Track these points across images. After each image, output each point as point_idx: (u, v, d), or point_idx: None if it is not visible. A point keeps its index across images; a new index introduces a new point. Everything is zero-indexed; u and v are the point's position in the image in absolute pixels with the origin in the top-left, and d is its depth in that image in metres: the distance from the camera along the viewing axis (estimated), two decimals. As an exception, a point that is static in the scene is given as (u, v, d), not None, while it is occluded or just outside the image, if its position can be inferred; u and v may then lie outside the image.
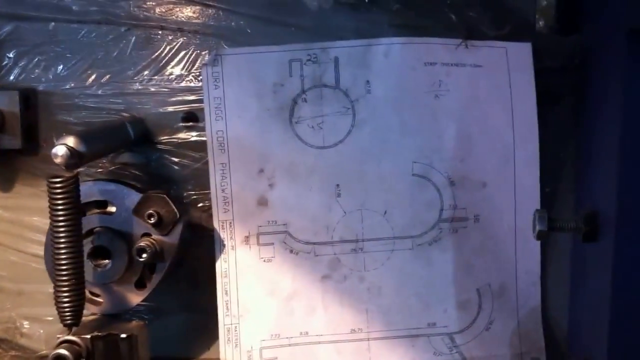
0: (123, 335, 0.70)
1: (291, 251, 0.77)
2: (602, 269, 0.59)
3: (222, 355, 0.76)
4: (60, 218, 0.67)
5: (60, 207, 0.67)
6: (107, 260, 0.75)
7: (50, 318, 0.87)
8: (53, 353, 0.68)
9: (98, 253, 0.76)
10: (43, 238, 0.82)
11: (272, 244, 0.76)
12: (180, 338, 0.84)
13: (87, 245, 0.74)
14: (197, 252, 0.82)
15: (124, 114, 0.83)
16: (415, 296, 0.77)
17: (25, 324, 0.89)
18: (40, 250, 0.84)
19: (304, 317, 0.77)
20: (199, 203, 0.82)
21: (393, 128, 0.74)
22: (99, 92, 0.82)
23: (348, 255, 0.76)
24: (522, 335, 0.77)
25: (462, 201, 0.75)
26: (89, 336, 0.70)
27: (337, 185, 0.76)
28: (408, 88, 0.73)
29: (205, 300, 0.81)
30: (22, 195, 0.86)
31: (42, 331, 0.88)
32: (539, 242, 0.75)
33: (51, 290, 0.81)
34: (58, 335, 0.71)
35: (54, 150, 0.67)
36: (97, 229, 0.75)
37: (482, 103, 0.72)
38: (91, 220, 0.75)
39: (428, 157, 0.74)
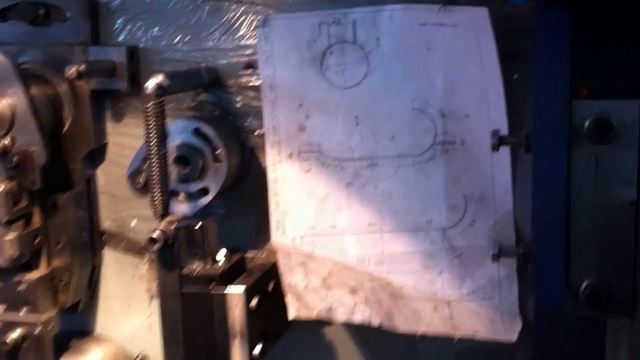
0: (197, 226, 0.98)
1: (323, 165, 1.05)
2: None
3: (272, 239, 1.07)
4: (152, 132, 0.94)
5: (151, 124, 0.94)
6: (187, 167, 1.05)
7: (151, 218, 1.13)
8: (148, 237, 0.97)
9: (180, 161, 1.05)
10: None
11: (309, 159, 1.05)
12: (242, 234, 1.12)
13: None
14: (255, 167, 1.12)
15: (201, 64, 1.10)
16: (417, 200, 1.02)
17: (133, 222, 1.18)
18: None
19: (333, 214, 1.05)
20: (256, 131, 1.11)
21: (397, 74, 0.99)
22: (183, 48, 1.09)
23: (365, 169, 1.04)
24: (498, 231, 0.99)
25: (451, 129, 0.99)
26: (173, 226, 0.99)
27: (356, 116, 1.01)
28: (407, 43, 0.98)
29: (260, 204, 1.12)
30: (127, 125, 1.14)
31: (144, 228, 1.16)
32: (509, 160, 1.00)
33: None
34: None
35: (146, 84, 0.95)
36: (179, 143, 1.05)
37: (460, 55, 0.95)
38: (175, 138, 1.05)
39: (424, 96, 0.99)
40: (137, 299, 1.21)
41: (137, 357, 1.22)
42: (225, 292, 0.96)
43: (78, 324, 1.22)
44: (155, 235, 0.94)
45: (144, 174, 1.05)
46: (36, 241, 1.09)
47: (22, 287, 1.09)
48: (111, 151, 1.16)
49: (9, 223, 1.05)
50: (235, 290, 0.96)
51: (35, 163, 1.04)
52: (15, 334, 1.09)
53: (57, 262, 1.12)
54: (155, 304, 1.19)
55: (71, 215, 1.13)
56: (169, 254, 0.96)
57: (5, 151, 1.03)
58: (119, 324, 1.23)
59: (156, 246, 0.94)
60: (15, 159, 1.03)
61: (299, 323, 1.10)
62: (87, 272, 1.18)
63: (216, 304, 0.96)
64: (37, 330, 1.09)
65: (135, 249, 1.19)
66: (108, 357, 1.21)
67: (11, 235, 1.04)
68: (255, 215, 1.11)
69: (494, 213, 1.00)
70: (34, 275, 1.10)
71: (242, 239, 1.10)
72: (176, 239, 0.96)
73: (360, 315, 1.03)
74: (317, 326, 1.14)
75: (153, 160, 0.95)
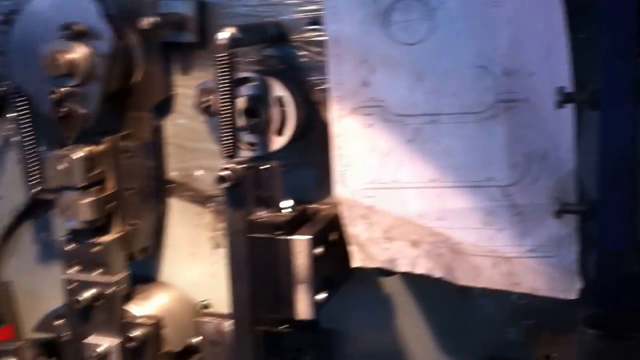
0: (264, 167, 1.01)
1: (386, 120, 1.06)
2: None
3: (335, 192, 1.10)
4: (222, 82, 1.00)
5: (222, 74, 0.99)
6: (254, 119, 1.09)
7: (216, 169, 1.20)
8: (217, 175, 1.00)
9: (250, 112, 1.09)
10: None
11: (372, 114, 1.07)
12: (305, 187, 1.15)
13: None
14: (318, 121, 1.14)
15: (268, 19, 1.13)
16: (478, 157, 1.02)
17: (198, 172, 1.23)
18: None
19: (394, 169, 1.07)
20: (319, 85, 1.12)
21: (461, 31, 0.99)
22: (250, 3, 1.11)
23: (428, 125, 1.05)
24: (560, 189, 0.99)
25: (514, 86, 0.98)
26: (240, 167, 1.01)
27: (420, 73, 1.02)
28: (473, 0, 1.00)
29: (323, 157, 1.13)
30: (194, 78, 1.17)
31: (209, 177, 1.20)
32: (573, 117, 1.00)
33: (217, 148, 1.18)
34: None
35: (219, 36, 0.99)
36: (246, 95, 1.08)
37: (526, 11, 0.95)
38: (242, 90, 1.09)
39: (488, 53, 0.99)
40: (201, 247, 1.26)
41: (200, 303, 1.27)
42: (291, 239, 0.99)
43: (145, 270, 1.28)
44: (224, 173, 0.98)
45: (211, 98, 1.09)
46: (110, 205, 1.14)
47: (96, 249, 1.14)
48: (178, 102, 1.20)
49: (85, 188, 1.10)
50: (301, 238, 0.99)
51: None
52: (88, 294, 1.15)
53: (126, 210, 1.18)
54: (219, 252, 1.24)
55: (140, 164, 1.18)
56: (237, 193, 1.00)
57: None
58: (183, 271, 1.28)
59: (225, 185, 0.98)
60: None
61: (359, 274, 1.14)
62: (153, 220, 1.23)
63: (282, 250, 1.00)
64: (109, 291, 1.15)
65: (200, 198, 1.23)
66: (173, 302, 1.26)
67: (87, 200, 1.10)
68: (317, 168, 1.14)
69: (556, 171, 1.00)
70: (107, 238, 1.16)
71: (305, 191, 1.14)
72: (244, 178, 1.00)
73: (421, 267, 1.06)
74: (375, 278, 1.18)
75: (223, 107, 0.99)
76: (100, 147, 1.15)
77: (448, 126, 1.03)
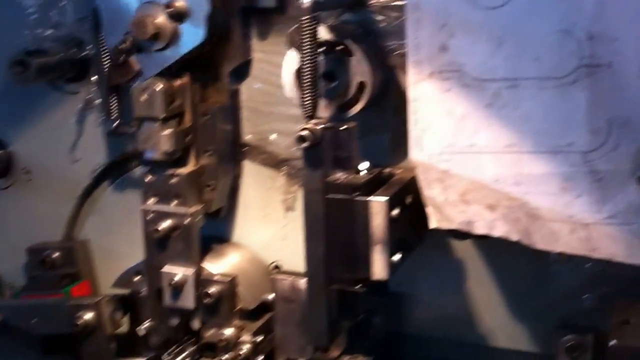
0: (342, 128, 1.04)
1: (464, 85, 1.06)
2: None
3: (410, 156, 1.11)
4: (305, 45, 1.02)
5: (305, 37, 1.01)
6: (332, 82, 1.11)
7: (290, 133, 1.20)
8: (296, 135, 1.02)
9: (328, 76, 1.12)
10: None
11: (450, 79, 1.07)
12: (380, 151, 1.17)
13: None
14: (395, 86, 1.15)
15: None
16: (558, 123, 1.00)
17: (272, 136, 1.25)
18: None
19: (471, 134, 1.07)
20: (397, 50, 1.13)
21: None
22: None
23: (507, 89, 1.05)
24: None
25: (598, 51, 0.97)
26: (319, 127, 1.03)
27: (500, 37, 1.01)
28: (557, -37, 0.99)
29: (398, 122, 1.14)
30: (272, 43, 1.20)
31: (283, 141, 1.24)
32: (657, 84, 0.99)
33: (291, 112, 1.21)
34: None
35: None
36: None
37: None
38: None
39: (571, 18, 0.97)
40: (273, 210, 1.29)
41: (271, 264, 1.30)
42: (369, 200, 1.01)
43: (218, 230, 1.32)
44: (304, 133, 1.00)
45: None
46: (187, 139, 1.18)
47: (173, 181, 1.19)
48: (255, 67, 1.23)
49: (165, 120, 1.14)
50: (379, 199, 1.01)
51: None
52: (166, 224, 1.20)
53: (204, 162, 1.22)
54: (291, 215, 1.27)
55: (218, 126, 1.21)
56: (315, 153, 1.02)
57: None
58: (255, 232, 1.31)
59: (304, 144, 1.00)
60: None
61: (431, 239, 1.16)
62: (228, 181, 1.26)
63: (359, 211, 1.02)
64: (186, 221, 1.19)
65: (273, 162, 1.26)
66: (244, 262, 1.30)
67: (167, 131, 1.14)
68: (392, 132, 1.16)
69: (638, 137, 0.99)
70: (184, 170, 1.20)
71: (380, 155, 1.15)
72: (322, 139, 1.02)
73: (499, 230, 1.07)
74: (446, 243, 1.19)
75: (306, 69, 1.01)
76: (179, 82, 1.18)
77: (527, 91, 1.03)
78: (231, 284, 1.22)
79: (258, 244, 1.32)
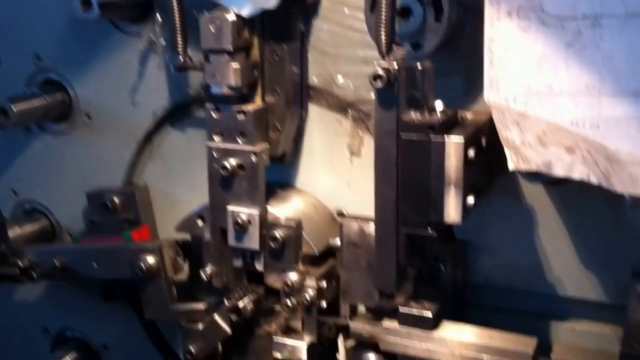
0: (418, 67, 1.02)
1: (543, 23, 1.04)
2: None
3: (486, 97, 1.09)
4: None
5: None
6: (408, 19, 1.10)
7: (358, 75, 1.22)
8: (372, 74, 1.00)
9: (403, 13, 1.10)
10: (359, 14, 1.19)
11: (529, 18, 1.05)
12: (453, 93, 1.15)
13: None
14: (470, 26, 1.14)
15: None
16: None
17: (339, 79, 1.24)
18: (356, 23, 1.20)
19: (549, 75, 1.04)
20: None
21: None
22: None
23: (588, 28, 1.01)
24: None
25: None
26: (395, 65, 1.01)
27: None
28: None
29: (471, 63, 1.12)
30: None
31: (351, 84, 1.23)
32: None
33: (360, 54, 1.19)
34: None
35: None
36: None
37: None
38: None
39: None
40: (338, 156, 1.28)
41: (336, 210, 1.30)
42: (445, 140, 1.00)
43: (282, 176, 1.32)
44: (380, 71, 0.99)
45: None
46: (254, 74, 1.18)
47: (240, 117, 1.19)
48: (324, 8, 1.22)
49: (233, 53, 1.14)
50: (455, 140, 1.00)
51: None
52: (232, 162, 1.20)
53: (270, 100, 1.23)
54: (356, 161, 1.26)
55: (286, 67, 1.20)
56: (390, 93, 1.01)
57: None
58: (318, 178, 1.31)
59: (379, 83, 0.99)
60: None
61: (503, 183, 1.14)
62: (294, 125, 1.26)
63: (434, 151, 1.01)
64: (252, 160, 1.19)
65: (340, 105, 1.25)
66: (308, 207, 1.30)
67: (235, 64, 1.14)
68: (465, 74, 1.14)
69: None
70: (250, 107, 1.19)
71: (453, 97, 1.14)
72: (398, 77, 1.00)
73: (578, 172, 1.05)
74: (517, 189, 1.18)
75: (383, 5, 0.99)
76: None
77: (610, 30, 1.00)
78: (297, 228, 1.22)
79: (322, 190, 1.32)
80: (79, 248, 1.47)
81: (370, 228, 1.15)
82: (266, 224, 1.23)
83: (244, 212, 1.22)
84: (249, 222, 1.22)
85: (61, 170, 1.53)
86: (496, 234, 1.22)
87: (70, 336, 1.63)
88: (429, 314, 1.15)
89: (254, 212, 1.22)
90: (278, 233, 1.22)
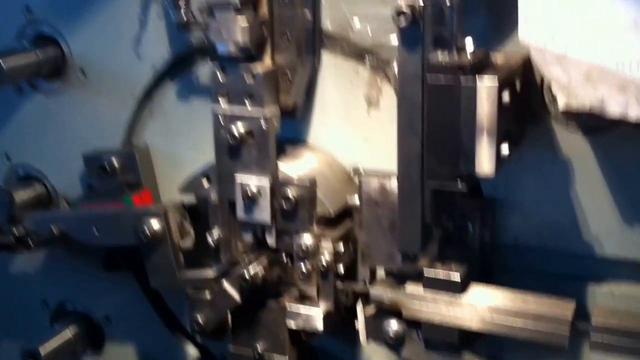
0: (447, 2, 0.92)
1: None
2: None
3: (520, 37, 0.99)
4: None
5: None
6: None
7: (377, 17, 1.12)
8: (395, 11, 0.92)
9: None
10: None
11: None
12: (480, 33, 1.03)
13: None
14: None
15: None
16: None
17: (355, 22, 1.14)
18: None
19: (591, 12, 0.93)
20: None
21: None
22: None
23: None
24: None
25: None
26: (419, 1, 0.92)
27: None
28: None
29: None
30: None
31: (369, 28, 1.14)
32: None
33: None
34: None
35: None
36: None
37: None
38: None
39: None
40: (355, 108, 1.20)
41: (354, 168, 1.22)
42: (476, 84, 0.91)
43: (293, 131, 1.24)
44: (403, 7, 0.91)
45: None
46: (263, 32, 1.09)
47: (248, 79, 1.10)
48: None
49: (240, 9, 1.05)
50: (489, 82, 0.91)
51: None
52: (239, 128, 1.11)
53: (280, 59, 1.13)
54: (374, 114, 1.18)
55: (297, 10, 1.12)
56: (415, 32, 0.92)
57: None
58: (333, 133, 1.23)
59: (403, 20, 0.90)
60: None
61: (536, 133, 1.06)
62: (306, 74, 1.18)
63: (464, 96, 0.92)
64: (262, 125, 1.10)
65: (356, 52, 1.17)
66: (322, 165, 1.22)
67: (243, 22, 1.05)
68: (493, 14, 1.06)
69: None
70: (259, 67, 1.11)
71: (480, 38, 1.04)
72: (424, 14, 0.92)
73: (635, 112, 0.96)
74: (551, 140, 1.09)
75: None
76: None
77: (659, -42, 0.92)
78: (311, 187, 1.14)
79: (336, 145, 1.23)
80: (78, 214, 1.39)
81: (393, 184, 1.07)
82: (277, 184, 1.14)
83: (253, 182, 1.14)
84: (259, 193, 1.14)
85: (56, 132, 1.45)
86: (527, 189, 1.14)
87: (70, 309, 1.57)
88: (456, 277, 1.08)
89: (264, 182, 1.14)
90: (290, 193, 1.13)
